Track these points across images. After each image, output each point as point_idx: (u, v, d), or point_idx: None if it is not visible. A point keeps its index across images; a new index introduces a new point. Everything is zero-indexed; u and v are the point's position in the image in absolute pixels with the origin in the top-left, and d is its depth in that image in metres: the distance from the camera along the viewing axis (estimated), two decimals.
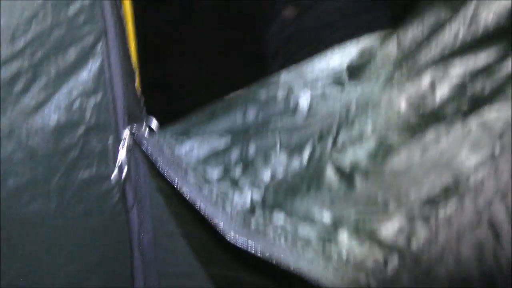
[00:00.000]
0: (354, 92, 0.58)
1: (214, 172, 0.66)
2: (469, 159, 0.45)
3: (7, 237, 0.76)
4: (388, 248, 0.46)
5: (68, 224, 0.80)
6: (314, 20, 1.55)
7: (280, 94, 0.66)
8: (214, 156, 0.68)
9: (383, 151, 0.51)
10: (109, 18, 0.76)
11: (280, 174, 0.60)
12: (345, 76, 0.61)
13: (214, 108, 0.73)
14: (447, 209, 0.45)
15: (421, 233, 0.45)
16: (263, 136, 0.65)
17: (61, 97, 0.76)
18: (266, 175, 0.61)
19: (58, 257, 0.82)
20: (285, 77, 0.66)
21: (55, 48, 0.74)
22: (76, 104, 0.77)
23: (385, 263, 0.46)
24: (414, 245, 0.45)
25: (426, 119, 0.50)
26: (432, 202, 0.46)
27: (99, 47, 0.76)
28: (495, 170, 0.43)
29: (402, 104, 0.53)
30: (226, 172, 0.65)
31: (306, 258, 0.49)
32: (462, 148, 0.46)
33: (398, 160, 0.49)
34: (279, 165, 0.61)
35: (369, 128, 0.55)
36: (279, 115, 0.65)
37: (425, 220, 0.46)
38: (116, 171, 0.81)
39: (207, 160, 0.69)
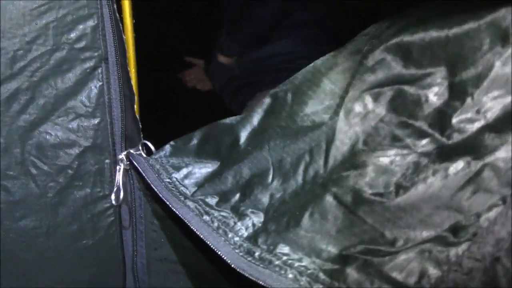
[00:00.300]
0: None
1: (213, 199, 0.64)
2: (479, 200, 0.44)
3: None
4: (398, 286, 0.45)
5: (60, 244, 0.78)
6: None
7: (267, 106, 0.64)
8: (211, 181, 0.66)
9: (384, 183, 0.50)
10: (111, 43, 0.74)
11: (278, 198, 0.58)
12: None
13: (208, 131, 0.71)
14: (458, 249, 0.44)
15: (432, 272, 0.44)
16: (253, 157, 0.63)
17: (58, 118, 0.74)
18: (264, 199, 0.59)
19: (48, 276, 0.79)
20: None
21: (55, 70, 0.72)
22: (74, 125, 0.75)
23: None
24: (425, 284, 0.44)
25: (429, 153, 0.49)
26: (442, 241, 0.45)
27: (99, 71, 0.74)
28: (506, 213, 0.42)
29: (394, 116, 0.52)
30: (225, 198, 0.62)
31: None
32: (472, 189, 0.45)
33: (403, 196, 0.48)
34: (275, 187, 0.59)
35: (359, 147, 0.53)
36: (269, 134, 0.63)
37: (435, 260, 0.44)
38: (113, 193, 0.78)
39: (204, 185, 0.66)
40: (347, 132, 0.54)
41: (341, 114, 0.55)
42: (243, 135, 0.65)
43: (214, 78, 1.74)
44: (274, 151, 0.60)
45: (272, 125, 0.62)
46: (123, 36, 0.75)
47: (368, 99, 0.53)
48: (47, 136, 0.74)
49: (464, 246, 0.43)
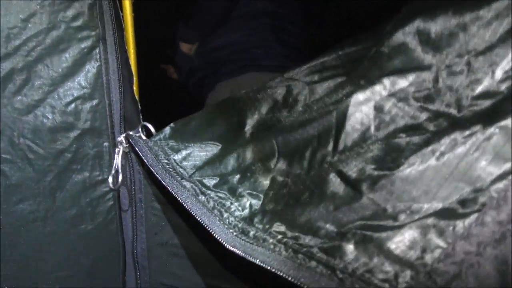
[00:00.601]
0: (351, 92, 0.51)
1: (211, 180, 0.59)
2: (489, 169, 0.39)
3: None
4: (399, 262, 0.40)
5: (59, 228, 0.74)
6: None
7: (278, 96, 0.60)
8: (211, 164, 0.62)
9: (391, 157, 0.45)
10: (108, 23, 0.70)
11: (280, 181, 0.54)
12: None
13: (211, 113, 0.67)
14: (466, 221, 0.38)
15: (436, 246, 0.39)
16: (259, 141, 0.58)
17: (55, 99, 0.70)
18: (265, 182, 0.54)
19: (47, 261, 0.75)
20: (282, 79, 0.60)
21: (51, 50, 0.68)
22: (71, 107, 0.71)
23: (396, 278, 0.39)
24: (428, 259, 0.39)
25: (440, 122, 0.44)
26: (448, 213, 0.39)
27: (97, 51, 0.71)
28: None
29: (411, 101, 0.46)
30: (223, 180, 0.58)
31: (308, 270, 0.43)
32: (481, 156, 0.40)
33: (409, 168, 0.43)
34: (278, 172, 0.54)
35: (372, 129, 0.48)
36: (275, 118, 0.59)
37: (440, 232, 0.39)
38: (111, 177, 0.74)
39: (203, 167, 0.62)
40: (358, 118, 0.49)
41: (352, 99, 0.50)
42: (249, 121, 0.61)
43: (179, 68, 1.71)
44: (280, 136, 0.56)
45: (282, 112, 0.58)
46: (121, 14, 0.71)
47: (382, 85, 0.49)
48: (44, 119, 0.70)
49: (472, 217, 0.38)
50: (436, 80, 0.45)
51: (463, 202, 0.39)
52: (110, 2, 0.68)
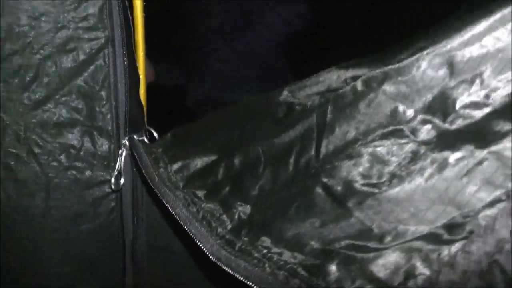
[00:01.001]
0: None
1: (203, 191, 0.59)
2: (479, 195, 0.37)
3: None
4: (381, 286, 0.38)
5: (60, 226, 0.74)
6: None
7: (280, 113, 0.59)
8: (204, 174, 0.61)
9: (377, 170, 0.43)
10: (117, 24, 0.69)
11: (267, 189, 0.52)
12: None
13: (212, 122, 0.66)
14: (451, 248, 0.37)
15: (420, 273, 0.37)
16: (245, 148, 0.57)
17: (62, 97, 0.70)
18: (253, 191, 0.53)
19: (49, 257, 0.75)
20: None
21: (60, 49, 0.69)
22: (78, 106, 0.71)
23: None
24: (411, 286, 0.37)
25: (434, 139, 0.42)
26: (435, 238, 0.38)
27: (105, 52, 0.70)
28: (510, 210, 0.35)
29: (401, 110, 0.44)
30: (215, 191, 0.57)
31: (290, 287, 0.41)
32: (471, 181, 0.38)
33: (397, 188, 0.41)
34: (265, 179, 0.53)
35: (353, 135, 0.46)
36: (258, 124, 0.57)
37: (425, 258, 0.37)
38: (114, 178, 0.74)
39: (197, 178, 0.61)
40: (338, 120, 0.47)
41: (331, 100, 0.49)
42: (240, 126, 0.60)
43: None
44: (265, 141, 0.54)
45: (267, 116, 0.57)
46: (130, 16, 0.71)
47: (358, 84, 0.47)
48: (51, 115, 0.71)
49: (458, 244, 0.36)
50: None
51: (450, 228, 0.37)
52: (119, 2, 0.68)
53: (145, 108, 0.75)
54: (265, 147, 0.54)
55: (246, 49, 1.52)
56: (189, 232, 0.52)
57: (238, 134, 0.60)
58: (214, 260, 0.48)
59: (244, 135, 0.59)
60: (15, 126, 0.69)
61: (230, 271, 0.46)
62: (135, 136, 0.72)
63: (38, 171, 0.71)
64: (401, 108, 0.44)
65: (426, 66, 0.43)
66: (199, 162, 0.62)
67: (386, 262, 0.39)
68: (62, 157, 0.72)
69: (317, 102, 0.50)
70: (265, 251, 0.46)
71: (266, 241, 0.47)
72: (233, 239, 0.49)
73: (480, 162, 0.37)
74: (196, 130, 0.67)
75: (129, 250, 0.77)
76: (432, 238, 0.38)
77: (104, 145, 0.74)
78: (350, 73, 0.51)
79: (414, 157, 0.41)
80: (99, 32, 0.69)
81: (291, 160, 0.51)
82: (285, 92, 0.56)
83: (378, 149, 0.44)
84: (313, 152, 0.49)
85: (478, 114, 0.39)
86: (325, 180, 0.45)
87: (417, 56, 0.43)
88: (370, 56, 0.50)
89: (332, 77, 0.53)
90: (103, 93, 0.71)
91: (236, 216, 0.52)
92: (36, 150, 0.71)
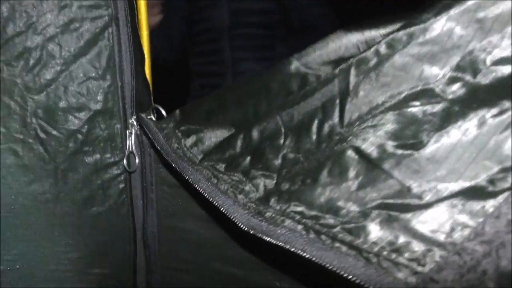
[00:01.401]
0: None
1: (222, 164, 0.58)
2: None
3: (5, 218, 0.68)
4: (426, 241, 0.38)
5: (70, 210, 0.73)
6: None
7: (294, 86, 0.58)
8: (221, 148, 0.60)
9: (411, 131, 0.43)
10: (121, 4, 0.68)
11: (291, 158, 0.52)
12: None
13: (223, 96, 0.66)
14: (495, 200, 0.37)
15: (465, 225, 0.38)
16: (263, 120, 0.57)
17: (68, 79, 0.69)
18: (276, 161, 0.53)
19: (59, 242, 0.74)
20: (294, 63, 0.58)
21: (64, 29, 0.67)
22: (84, 87, 0.70)
23: (424, 257, 0.38)
24: (457, 238, 0.37)
25: (456, 89, 0.42)
26: (477, 192, 0.38)
27: (110, 31, 0.69)
28: None
29: (429, 71, 0.44)
30: (235, 163, 0.57)
31: (333, 250, 0.41)
32: (509, 133, 0.38)
33: (435, 146, 0.41)
34: (288, 148, 0.53)
35: (380, 99, 0.46)
36: (273, 97, 0.57)
37: (469, 211, 0.38)
38: (125, 159, 0.73)
39: (214, 152, 0.61)
40: (362, 85, 0.47)
41: (353, 65, 0.49)
42: (253, 100, 0.60)
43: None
44: (283, 111, 0.54)
45: (280, 88, 0.57)
46: None
47: (381, 47, 0.47)
48: (56, 99, 0.69)
49: (502, 196, 0.37)
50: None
51: (492, 181, 0.38)
52: None
53: (151, 86, 0.74)
54: (284, 117, 0.54)
55: None
56: (216, 205, 0.51)
57: (253, 108, 0.59)
58: (247, 229, 0.47)
59: (260, 108, 0.59)
60: (21, 111, 0.68)
61: (266, 239, 0.45)
62: (142, 115, 0.71)
63: (46, 156, 0.70)
64: (428, 68, 0.44)
65: (454, 25, 0.43)
66: (213, 137, 0.61)
67: (429, 218, 0.39)
68: (69, 142, 0.71)
69: (337, 69, 0.50)
70: (298, 216, 0.46)
71: (298, 207, 0.47)
72: (261, 208, 0.49)
73: None
74: (206, 106, 0.66)
75: (139, 232, 0.76)
76: (474, 192, 0.38)
77: (111, 127, 0.72)
78: (365, 35, 0.51)
79: (449, 115, 0.41)
80: (102, 10, 0.68)
81: (314, 128, 0.51)
82: (295, 62, 0.56)
83: (409, 109, 0.44)
84: (336, 119, 0.49)
85: (510, 68, 0.40)
86: (356, 144, 0.45)
87: (443, 14, 0.43)
88: (384, 17, 0.50)
89: (344, 42, 0.53)
90: (108, 73, 0.70)
91: (261, 186, 0.52)
92: (42, 135, 0.69)
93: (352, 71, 0.49)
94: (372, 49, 0.48)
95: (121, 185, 0.74)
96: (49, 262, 0.73)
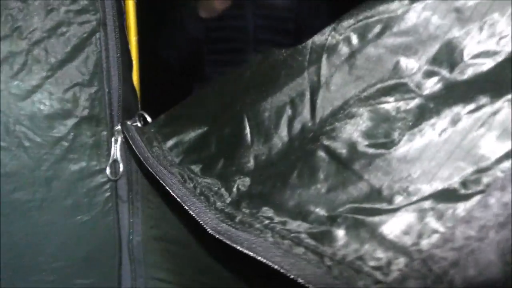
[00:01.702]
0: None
1: (199, 165, 0.56)
2: (495, 146, 0.34)
3: None
4: (392, 248, 0.35)
5: (54, 218, 0.71)
6: None
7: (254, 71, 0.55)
8: (198, 149, 0.58)
9: (383, 130, 0.40)
10: (109, 7, 0.67)
11: (263, 159, 0.49)
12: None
13: (205, 93, 0.63)
14: (467, 204, 0.34)
15: (434, 231, 0.34)
16: (232, 117, 0.54)
17: (53, 85, 0.67)
18: (249, 163, 0.50)
19: (43, 252, 0.72)
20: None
21: (50, 33, 0.66)
22: (69, 94, 0.68)
23: (388, 265, 0.34)
24: (424, 245, 0.34)
25: (431, 83, 0.39)
26: (449, 194, 0.35)
27: (97, 36, 0.67)
28: None
29: (404, 63, 0.41)
30: (210, 165, 0.54)
31: (294, 256, 0.38)
32: (487, 133, 0.35)
33: (407, 145, 0.38)
34: (259, 149, 0.50)
35: (353, 93, 0.43)
36: (245, 91, 0.54)
37: (439, 216, 0.34)
38: (109, 167, 0.71)
39: (191, 152, 0.58)
40: (333, 78, 0.44)
41: (324, 57, 0.46)
42: (226, 96, 0.57)
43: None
44: (250, 106, 0.51)
45: (254, 80, 0.54)
46: (123, 2, 0.69)
47: (353, 36, 0.44)
48: (41, 106, 0.67)
49: (475, 199, 0.33)
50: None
51: (465, 183, 0.34)
52: None
53: (138, 93, 0.72)
54: (250, 113, 0.51)
55: None
56: (187, 209, 0.49)
57: (228, 103, 0.57)
58: (213, 233, 0.45)
59: (232, 103, 0.56)
60: (4, 118, 0.66)
61: (230, 244, 0.42)
62: (128, 122, 0.69)
63: (30, 164, 0.68)
64: (403, 60, 0.41)
65: (430, 14, 0.40)
66: (192, 136, 0.59)
67: (397, 224, 0.36)
68: (54, 149, 0.69)
69: (307, 58, 0.47)
70: (267, 221, 0.43)
71: (267, 211, 0.44)
72: (232, 212, 0.46)
73: (495, 112, 0.35)
74: (189, 105, 0.64)
75: (125, 241, 0.74)
76: (446, 195, 0.35)
77: (97, 134, 0.71)
78: (336, 24, 0.48)
79: (423, 112, 0.38)
80: (90, 15, 0.66)
81: (284, 126, 0.48)
82: (276, 53, 0.53)
83: (381, 106, 0.41)
84: (308, 115, 0.46)
85: (489, 63, 0.37)
86: (326, 143, 0.42)
87: (419, 3, 0.40)
88: (356, 5, 0.47)
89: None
90: (95, 79, 0.69)
91: (234, 189, 0.49)
92: (26, 143, 0.67)
93: (324, 63, 0.46)
94: (342, 37, 0.45)
95: (107, 194, 0.72)
96: (33, 272, 0.71)
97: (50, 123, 0.68)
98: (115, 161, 0.71)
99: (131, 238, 0.73)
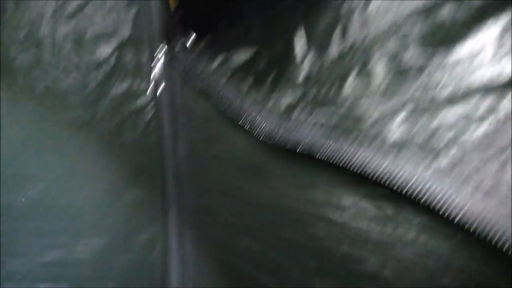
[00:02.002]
0: None
1: (247, 82, 0.58)
2: None
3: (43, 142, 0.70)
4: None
5: (103, 138, 0.73)
6: None
7: None
8: (245, 66, 0.59)
9: (442, 36, 0.41)
10: None
11: (316, 69, 0.51)
12: None
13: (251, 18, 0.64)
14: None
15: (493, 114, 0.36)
16: (285, 30, 0.55)
17: (94, 8, 0.68)
18: (301, 72, 0.51)
19: (93, 167, 0.75)
20: None
21: None
22: (111, 15, 0.69)
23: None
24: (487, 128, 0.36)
25: None
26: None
27: None
28: None
29: None
30: (260, 79, 0.56)
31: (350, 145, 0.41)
32: None
33: (464, 44, 0.40)
34: (311, 59, 0.51)
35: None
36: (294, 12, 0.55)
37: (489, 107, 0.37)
38: (151, 86, 0.73)
39: (238, 71, 0.60)
40: None
41: None
42: (275, 18, 0.58)
43: None
44: (307, 19, 0.52)
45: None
46: None
47: None
48: (84, 28, 0.69)
49: None
50: None
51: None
52: None
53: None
54: (306, 25, 0.52)
55: None
56: (243, 122, 0.51)
57: (277, 23, 0.58)
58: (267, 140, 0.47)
59: (281, 23, 0.57)
60: (46, 40, 0.68)
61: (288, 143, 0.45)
62: (171, 42, 0.70)
63: (72, 85, 0.71)
64: None
65: None
66: (239, 55, 0.60)
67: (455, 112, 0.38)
68: (97, 71, 0.71)
69: None
70: (320, 124, 0.46)
71: (320, 117, 0.46)
72: (287, 113, 0.48)
73: None
74: (232, 27, 0.65)
75: (168, 160, 0.77)
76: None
77: (138, 55, 0.72)
78: None
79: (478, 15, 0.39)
80: None
81: (334, 39, 0.49)
82: None
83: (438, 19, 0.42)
84: (357, 30, 0.47)
85: None
86: (379, 52, 0.44)
87: None
88: None
89: None
90: (135, 1, 0.69)
91: (287, 100, 0.51)
92: (72, 64, 0.69)
93: None
94: None
95: (150, 113, 0.75)
96: (87, 187, 0.75)
97: (92, 45, 0.70)
98: (156, 82, 0.73)
99: (175, 156, 0.75)
